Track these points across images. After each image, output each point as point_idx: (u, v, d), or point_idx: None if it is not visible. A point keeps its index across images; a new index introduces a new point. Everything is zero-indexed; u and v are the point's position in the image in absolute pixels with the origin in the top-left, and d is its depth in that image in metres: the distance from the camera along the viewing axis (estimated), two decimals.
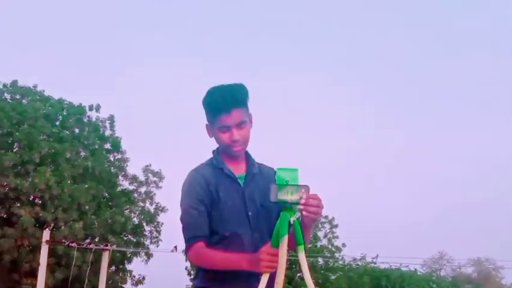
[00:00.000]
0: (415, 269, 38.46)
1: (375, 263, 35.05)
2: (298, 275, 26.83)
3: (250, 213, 2.62)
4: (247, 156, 2.79)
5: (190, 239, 2.61)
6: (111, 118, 23.79)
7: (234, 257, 2.50)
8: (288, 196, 2.38)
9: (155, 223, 24.26)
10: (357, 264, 34.44)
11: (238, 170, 2.72)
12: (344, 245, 33.82)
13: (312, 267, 30.29)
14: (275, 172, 2.55)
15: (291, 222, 2.41)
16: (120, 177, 24.13)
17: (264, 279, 2.41)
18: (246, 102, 2.70)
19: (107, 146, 23.82)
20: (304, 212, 2.42)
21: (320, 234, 33.28)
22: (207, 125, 2.74)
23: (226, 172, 2.69)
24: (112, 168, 23.71)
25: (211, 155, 2.79)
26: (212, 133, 2.72)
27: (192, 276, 31.52)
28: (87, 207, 20.72)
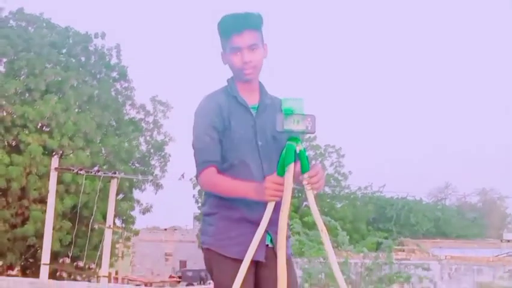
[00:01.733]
0: (420, 198, 39.08)
1: (381, 192, 35.53)
2: (304, 203, 27.21)
3: (260, 143, 2.63)
4: (261, 86, 2.77)
5: (201, 164, 2.62)
6: (118, 47, 23.56)
7: (241, 185, 2.51)
8: (294, 125, 2.36)
9: (163, 153, 24.47)
10: (363, 193, 34.91)
11: (252, 100, 2.71)
12: (350, 172, 34.30)
13: (318, 196, 30.56)
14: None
15: (297, 151, 2.40)
16: (127, 106, 24.14)
17: (270, 207, 2.42)
18: (259, 26, 2.68)
19: (114, 74, 23.70)
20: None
21: (327, 163, 33.57)
22: (221, 52, 2.74)
23: (240, 101, 2.68)
24: (119, 96, 23.69)
25: (225, 84, 2.77)
26: (226, 59, 2.71)
27: (200, 204, 32.13)
28: (93, 134, 20.75)
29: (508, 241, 28.97)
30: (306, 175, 2.42)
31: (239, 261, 2.47)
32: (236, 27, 2.61)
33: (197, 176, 2.65)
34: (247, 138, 2.63)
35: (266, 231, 2.51)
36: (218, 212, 2.64)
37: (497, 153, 75.61)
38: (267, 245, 2.59)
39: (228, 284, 2.49)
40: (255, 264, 2.57)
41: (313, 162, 2.84)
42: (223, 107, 2.64)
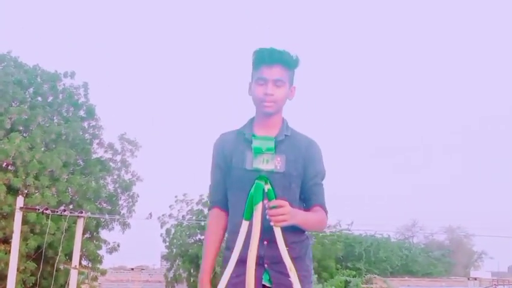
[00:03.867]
0: (388, 236, 39.23)
1: (349, 230, 35.57)
2: None
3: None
4: (283, 122, 2.72)
5: (210, 204, 2.74)
6: (85, 85, 23.42)
7: (208, 254, 2.62)
8: (263, 164, 2.36)
9: (131, 192, 24.23)
10: (332, 231, 34.88)
11: (267, 135, 2.63)
12: None
13: None
14: (311, 142, 2.63)
15: (265, 190, 2.38)
16: (95, 145, 23.92)
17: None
18: (292, 66, 2.66)
19: (82, 113, 23.54)
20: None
21: None
22: (249, 83, 2.73)
23: (247, 136, 2.64)
24: (87, 135, 23.48)
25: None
26: (251, 89, 2.69)
27: (167, 243, 31.72)
28: (59, 173, 20.53)
29: (475, 279, 29.17)
30: (267, 205, 2.37)
31: None
32: (268, 59, 2.61)
33: (208, 211, 2.75)
34: (247, 174, 2.53)
35: (264, 269, 2.47)
36: (224, 252, 2.67)
37: (463, 190, 76.57)
38: (264, 284, 2.52)
39: None
40: None
41: None
42: (227, 145, 2.66)
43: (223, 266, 2.52)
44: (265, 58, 2.61)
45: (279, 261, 2.39)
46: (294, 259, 2.40)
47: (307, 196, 2.62)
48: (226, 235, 2.69)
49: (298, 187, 2.59)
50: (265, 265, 2.49)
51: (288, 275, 2.38)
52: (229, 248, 2.55)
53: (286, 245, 2.39)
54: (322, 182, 2.69)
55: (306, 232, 2.66)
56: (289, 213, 2.39)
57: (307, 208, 2.63)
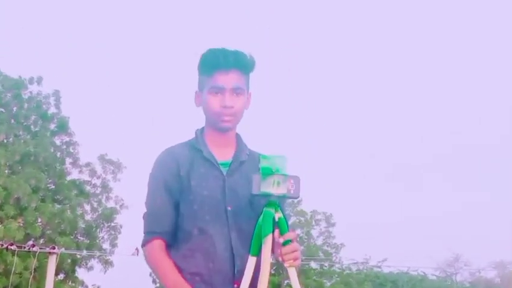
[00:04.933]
0: (425, 274, 39.00)
1: (380, 268, 35.39)
2: (286, 281, 26.99)
3: (229, 208, 2.53)
4: (238, 139, 2.73)
5: (146, 234, 2.59)
6: (56, 94, 23.45)
7: (177, 283, 2.46)
8: (273, 188, 2.32)
9: (113, 223, 24.17)
10: (359, 269, 34.70)
11: (223, 156, 2.65)
12: (342, 244, 34.09)
13: (303, 273, 30.45)
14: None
15: (276, 219, 2.37)
16: (69, 165, 23.91)
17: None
18: (249, 70, 2.66)
19: (52, 127, 23.51)
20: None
21: (314, 232, 33.40)
22: (196, 91, 2.70)
23: (206, 155, 2.62)
24: (59, 154, 23.45)
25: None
26: (200, 100, 2.66)
27: (157, 285, 31.61)
28: (26, 201, 20.49)
29: None
30: (278, 240, 2.36)
31: None
32: (223, 64, 2.57)
33: (142, 246, 2.61)
34: (213, 202, 2.53)
35: None
36: None
37: None
38: None
39: None
40: None
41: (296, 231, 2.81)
42: (182, 163, 2.58)
43: None
44: (220, 62, 2.58)
45: None
46: None
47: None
48: None
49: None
50: None
51: None
52: None
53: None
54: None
55: None
56: (300, 249, 2.41)
57: None
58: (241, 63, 2.60)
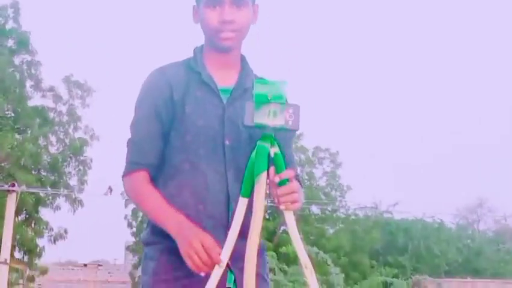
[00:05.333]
0: (442, 221, 39.34)
1: (391, 213, 35.74)
2: (282, 228, 27.25)
3: (227, 142, 2.53)
4: (243, 62, 2.70)
5: (129, 164, 2.57)
6: (15, 5, 23.28)
7: (167, 212, 2.43)
8: (268, 119, 2.31)
9: (83, 157, 24.28)
10: (366, 215, 34.98)
11: (225, 81, 2.62)
12: (348, 186, 34.21)
13: (302, 218, 30.56)
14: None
15: (272, 155, 2.36)
16: (30, 88, 23.84)
17: (233, 235, 2.37)
18: None
19: (11, 43, 23.42)
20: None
21: (317, 172, 33.54)
22: (194, 6, 2.66)
23: (204, 79, 2.58)
24: (19, 75, 23.37)
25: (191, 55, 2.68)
26: (198, 16, 2.63)
27: (134, 229, 32.01)
28: None
29: None
30: (273, 179, 2.34)
31: None
32: None
33: (122, 177, 2.59)
34: (209, 134, 2.53)
35: (228, 269, 2.43)
36: (161, 241, 2.53)
37: None
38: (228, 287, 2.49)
39: None
40: None
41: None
42: (175, 85, 2.55)
43: (168, 261, 2.49)
44: None
45: (243, 258, 2.36)
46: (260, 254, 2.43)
47: None
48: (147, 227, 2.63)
49: None
50: (231, 261, 2.42)
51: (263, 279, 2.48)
52: (154, 243, 2.56)
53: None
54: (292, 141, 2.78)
55: None
56: (299, 191, 2.40)
57: None
58: None
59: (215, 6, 2.53)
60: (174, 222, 2.40)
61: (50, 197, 23.07)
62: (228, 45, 2.58)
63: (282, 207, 2.36)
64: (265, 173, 2.33)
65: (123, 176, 2.57)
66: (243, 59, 2.69)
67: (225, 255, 2.34)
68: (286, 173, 2.34)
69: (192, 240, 2.30)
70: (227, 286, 2.48)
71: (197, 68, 2.59)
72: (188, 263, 2.31)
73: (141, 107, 2.59)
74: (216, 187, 2.50)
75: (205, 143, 2.52)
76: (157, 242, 2.55)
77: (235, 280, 2.48)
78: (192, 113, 2.53)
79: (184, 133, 2.52)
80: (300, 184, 2.59)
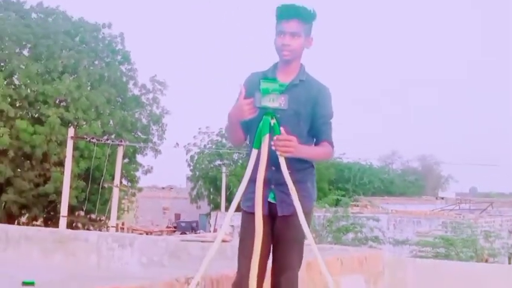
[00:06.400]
0: (371, 163, 39.41)
1: (341, 158, 35.73)
2: None
3: (278, 115, 2.42)
4: (301, 68, 2.61)
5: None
6: (121, 35, 23.36)
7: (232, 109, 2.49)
8: (270, 102, 2.34)
9: (161, 124, 24.37)
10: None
11: (286, 78, 2.54)
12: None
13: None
14: (322, 87, 2.55)
15: (271, 124, 2.37)
16: (131, 85, 23.92)
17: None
18: (309, 19, 2.56)
19: (119, 58, 23.43)
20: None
21: None
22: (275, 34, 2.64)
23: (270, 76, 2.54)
24: (124, 77, 23.45)
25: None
26: (274, 41, 2.59)
27: (191, 167, 32.06)
28: (103, 108, 20.81)
29: (442, 198, 29.50)
30: (274, 137, 2.34)
31: (248, 214, 2.47)
32: (287, 14, 2.52)
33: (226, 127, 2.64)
34: (260, 112, 2.42)
35: (271, 189, 2.48)
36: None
37: (436, 122, 76.25)
38: (270, 201, 2.50)
39: (241, 232, 2.51)
40: (271, 218, 2.50)
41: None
42: (252, 84, 2.49)
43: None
44: (284, 13, 2.52)
45: (283, 183, 2.38)
46: (296, 182, 2.39)
47: (317, 133, 2.56)
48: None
49: (306, 125, 2.52)
50: (272, 186, 2.48)
51: (289, 195, 2.40)
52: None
53: (291, 171, 2.38)
54: (330, 121, 2.61)
55: (311, 162, 2.63)
56: (295, 147, 2.36)
57: (316, 143, 2.58)
58: (300, 14, 2.52)
59: (280, 36, 2.52)
60: (235, 107, 2.47)
61: (142, 148, 23.20)
62: (286, 59, 2.55)
63: (278, 153, 2.36)
64: (268, 135, 2.35)
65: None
66: (301, 66, 2.61)
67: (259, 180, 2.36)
68: (282, 136, 2.35)
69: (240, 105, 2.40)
70: (268, 200, 2.50)
71: (267, 73, 2.57)
72: (235, 111, 2.44)
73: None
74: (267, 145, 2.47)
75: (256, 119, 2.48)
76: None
77: (274, 197, 2.51)
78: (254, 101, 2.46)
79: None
80: (332, 145, 2.58)
